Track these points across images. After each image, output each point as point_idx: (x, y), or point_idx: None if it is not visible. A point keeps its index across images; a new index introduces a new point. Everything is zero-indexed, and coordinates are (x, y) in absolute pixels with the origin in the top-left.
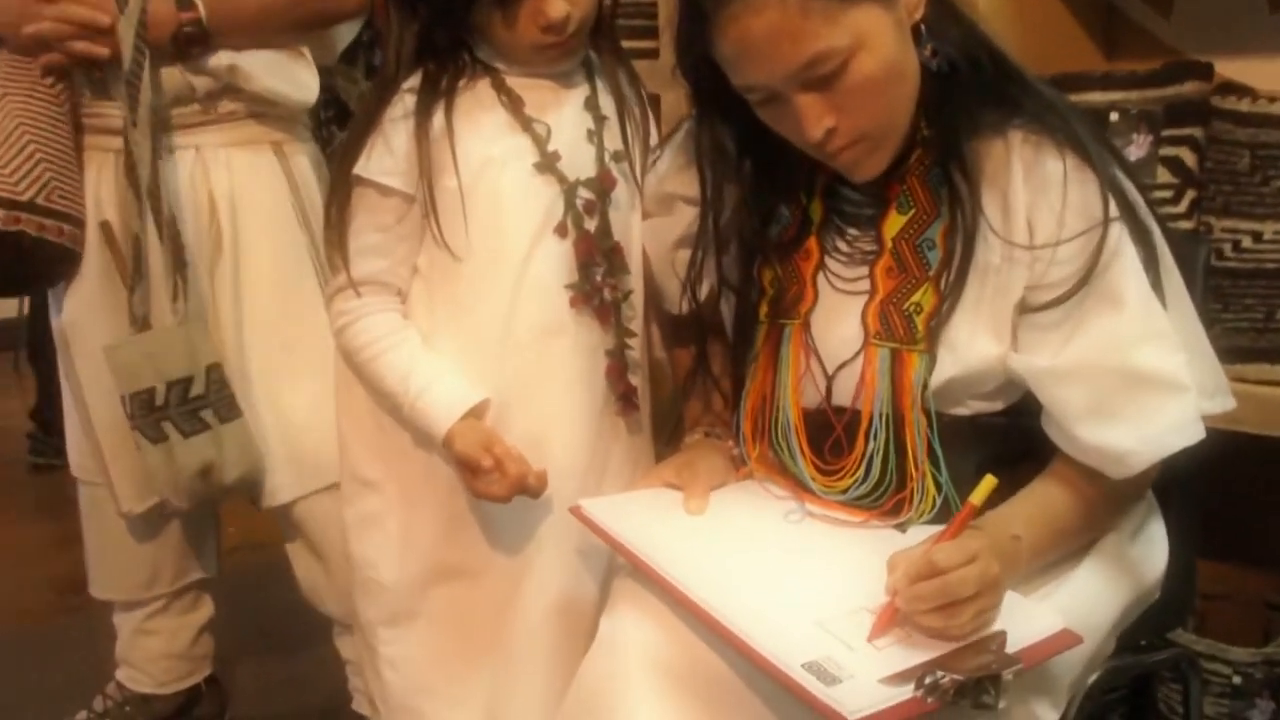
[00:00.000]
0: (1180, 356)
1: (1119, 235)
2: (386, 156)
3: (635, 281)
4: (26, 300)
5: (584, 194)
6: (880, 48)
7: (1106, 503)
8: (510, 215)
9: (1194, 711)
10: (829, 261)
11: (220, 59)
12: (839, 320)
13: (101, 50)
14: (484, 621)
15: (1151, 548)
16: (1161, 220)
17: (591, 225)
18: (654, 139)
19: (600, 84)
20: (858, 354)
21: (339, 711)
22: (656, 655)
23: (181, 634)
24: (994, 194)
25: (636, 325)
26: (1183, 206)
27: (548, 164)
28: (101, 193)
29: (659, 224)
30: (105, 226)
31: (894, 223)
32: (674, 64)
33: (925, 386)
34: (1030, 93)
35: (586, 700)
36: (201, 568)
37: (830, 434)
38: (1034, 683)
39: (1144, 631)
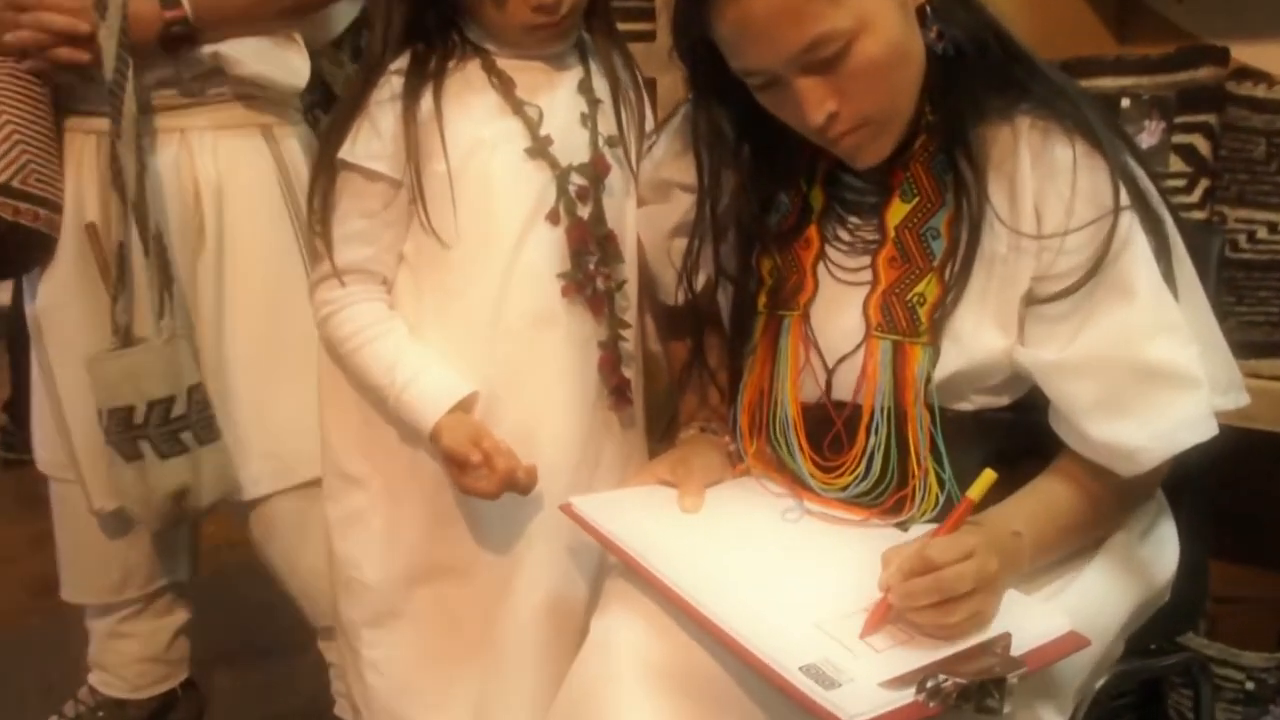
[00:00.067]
0: (1193, 350)
1: (1130, 224)
2: (373, 140)
3: (629, 271)
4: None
5: (577, 180)
6: (884, 30)
7: (1114, 500)
8: (500, 200)
9: (1205, 718)
10: (830, 251)
11: (205, 47)
12: (840, 311)
13: (83, 56)
14: (471, 622)
15: (1162, 548)
16: (1174, 210)
17: (585, 212)
18: (649, 124)
19: (594, 66)
20: (859, 346)
21: (320, 716)
22: (648, 656)
23: (157, 637)
24: (1001, 181)
25: (630, 316)
26: (1196, 196)
27: (539, 149)
28: (83, 181)
29: (654, 211)
30: (90, 228)
31: (897, 211)
32: (670, 46)
33: (928, 380)
34: (1038, 77)
35: (577, 702)
36: (176, 570)
37: (830, 429)
38: (1039, 687)
39: (1153, 635)
